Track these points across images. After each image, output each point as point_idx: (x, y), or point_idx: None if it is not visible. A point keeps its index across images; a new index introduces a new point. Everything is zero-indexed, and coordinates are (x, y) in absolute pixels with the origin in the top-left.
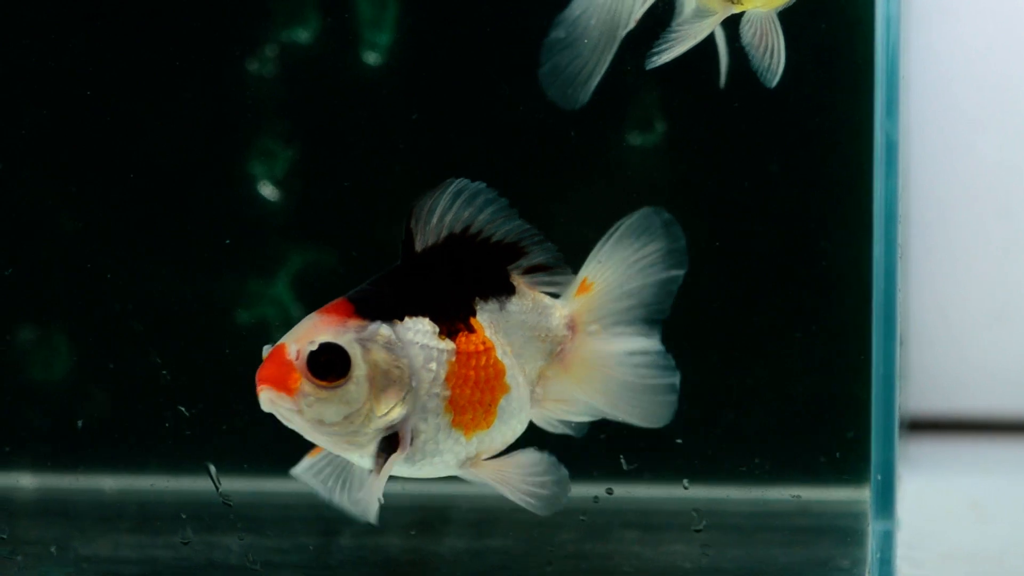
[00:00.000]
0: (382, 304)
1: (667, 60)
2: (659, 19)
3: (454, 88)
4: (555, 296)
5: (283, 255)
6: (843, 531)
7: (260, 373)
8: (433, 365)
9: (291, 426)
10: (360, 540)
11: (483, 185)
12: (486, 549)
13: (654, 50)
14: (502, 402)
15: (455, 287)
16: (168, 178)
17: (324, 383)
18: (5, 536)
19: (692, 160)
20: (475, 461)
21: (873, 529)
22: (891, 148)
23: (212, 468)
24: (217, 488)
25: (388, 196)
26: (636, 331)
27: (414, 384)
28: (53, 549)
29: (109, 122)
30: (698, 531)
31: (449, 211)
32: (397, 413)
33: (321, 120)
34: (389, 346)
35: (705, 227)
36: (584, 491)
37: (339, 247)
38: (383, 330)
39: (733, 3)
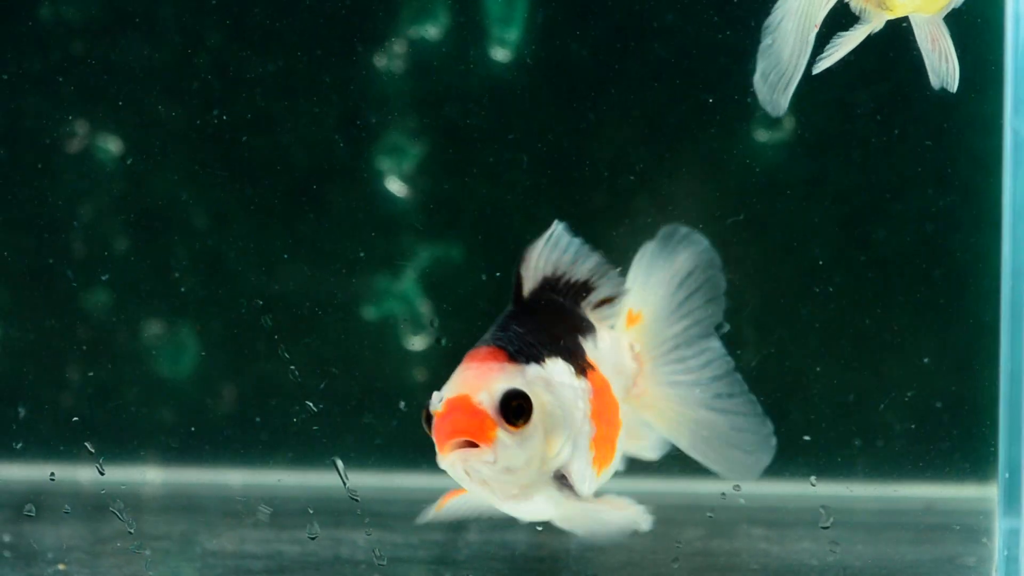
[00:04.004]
0: (524, 348)
1: (828, 65)
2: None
3: (582, 85)
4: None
5: (411, 251)
6: (970, 528)
7: (449, 426)
8: (580, 404)
9: (468, 483)
10: (487, 536)
11: (566, 228)
12: (613, 545)
13: (822, 55)
14: (619, 437)
15: (561, 327)
16: (297, 174)
17: (515, 428)
18: (132, 531)
19: (821, 159)
20: (587, 498)
21: (1000, 527)
22: (1020, 146)
23: (339, 463)
24: (344, 483)
25: (515, 192)
26: (700, 350)
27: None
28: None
29: (239, 119)
30: (826, 528)
31: (543, 256)
32: (567, 453)
33: (449, 116)
34: (548, 387)
35: (835, 226)
36: (711, 488)
37: (466, 243)
38: (539, 372)
39: (884, 9)
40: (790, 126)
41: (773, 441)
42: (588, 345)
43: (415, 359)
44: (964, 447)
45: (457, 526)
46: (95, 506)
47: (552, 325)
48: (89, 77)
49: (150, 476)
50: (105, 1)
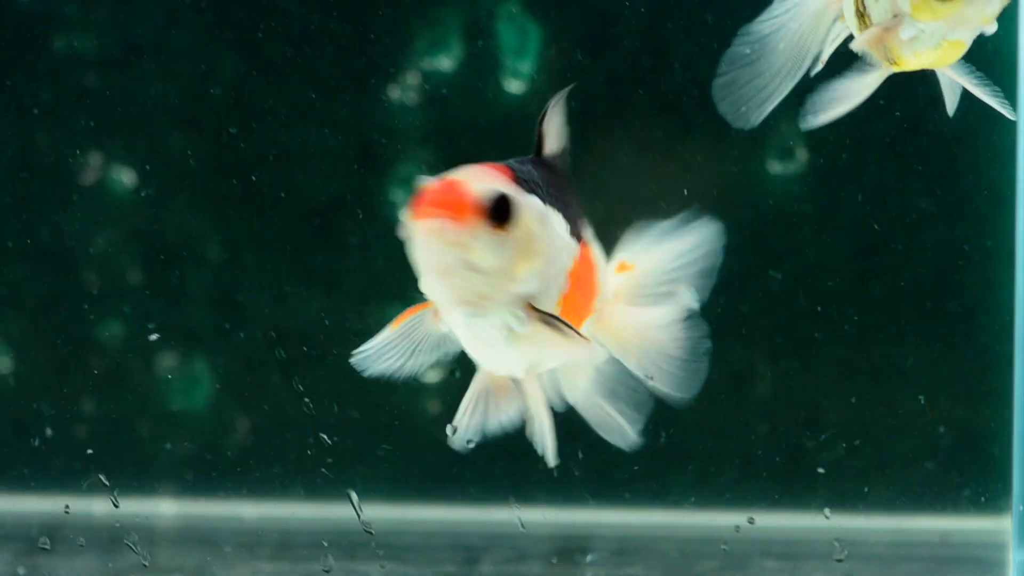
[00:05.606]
0: (531, 183)
1: (827, 120)
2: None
3: (595, 116)
4: None
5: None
6: (984, 561)
7: (435, 198)
8: (564, 256)
9: (427, 268)
10: (501, 568)
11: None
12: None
13: (810, 108)
14: (586, 322)
15: (571, 196)
16: (311, 206)
17: (494, 227)
18: (147, 563)
19: (834, 190)
20: (531, 375)
21: (1014, 559)
22: None
23: (354, 496)
24: (359, 516)
25: None
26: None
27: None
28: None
29: (252, 151)
30: (840, 561)
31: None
32: (534, 285)
33: (463, 148)
34: (542, 220)
35: (848, 257)
36: (726, 520)
37: None
38: (538, 204)
39: (889, 63)
40: (803, 157)
41: (706, 361)
42: (587, 231)
43: (429, 391)
44: (978, 479)
45: (471, 559)
46: (110, 539)
47: (562, 188)
48: (103, 109)
49: (164, 508)
50: (118, 33)
